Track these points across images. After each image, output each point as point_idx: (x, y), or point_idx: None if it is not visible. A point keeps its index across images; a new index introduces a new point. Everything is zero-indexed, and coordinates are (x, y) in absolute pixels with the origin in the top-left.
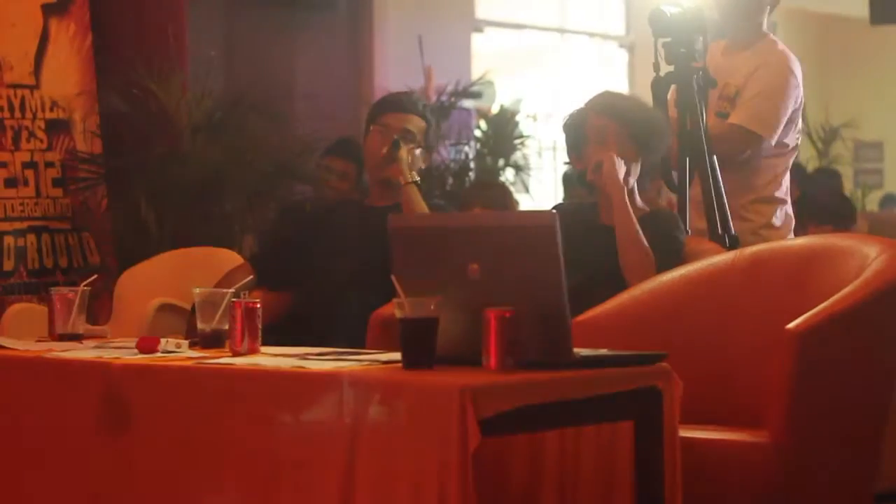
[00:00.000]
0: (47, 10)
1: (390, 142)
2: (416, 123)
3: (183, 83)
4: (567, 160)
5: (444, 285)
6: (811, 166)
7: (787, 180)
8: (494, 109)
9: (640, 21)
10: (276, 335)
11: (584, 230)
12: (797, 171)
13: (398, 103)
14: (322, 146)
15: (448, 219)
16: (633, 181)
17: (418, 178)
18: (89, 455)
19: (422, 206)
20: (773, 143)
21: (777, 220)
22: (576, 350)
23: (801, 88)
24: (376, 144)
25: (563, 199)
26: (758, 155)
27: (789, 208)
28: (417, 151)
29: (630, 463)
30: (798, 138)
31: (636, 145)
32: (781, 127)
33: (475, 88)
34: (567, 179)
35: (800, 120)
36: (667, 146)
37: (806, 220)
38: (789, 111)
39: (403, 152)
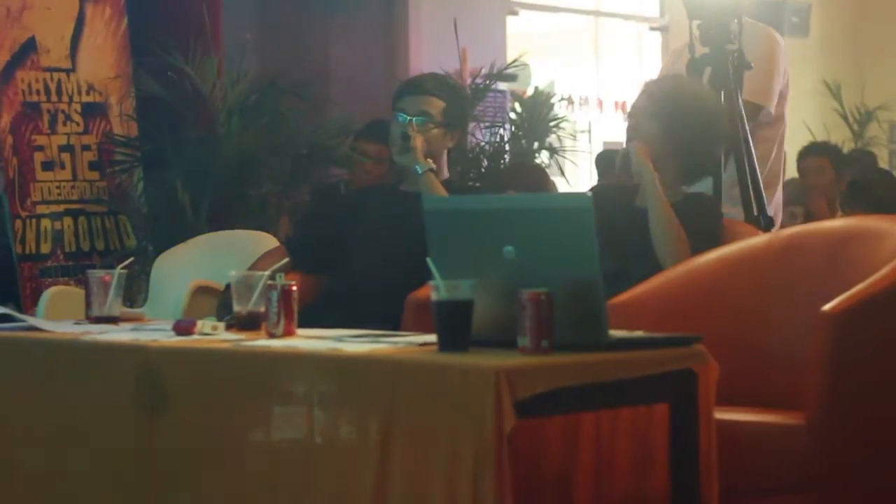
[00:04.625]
0: None
1: (402, 131)
2: (433, 104)
3: (218, 66)
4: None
5: (479, 267)
6: (846, 148)
7: (783, 164)
8: (529, 92)
9: (674, 3)
10: (312, 318)
11: (621, 212)
12: (832, 151)
13: (413, 86)
14: (357, 129)
15: (484, 201)
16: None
17: (433, 166)
18: (126, 436)
19: (440, 193)
20: (772, 111)
21: (771, 209)
22: (611, 332)
23: (787, 61)
24: (393, 133)
25: (599, 181)
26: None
27: (780, 193)
28: (436, 132)
29: (665, 445)
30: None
31: (662, 130)
32: (776, 95)
33: (510, 71)
34: (600, 161)
35: (788, 94)
36: (711, 146)
37: (855, 206)
38: (781, 79)
39: (418, 141)
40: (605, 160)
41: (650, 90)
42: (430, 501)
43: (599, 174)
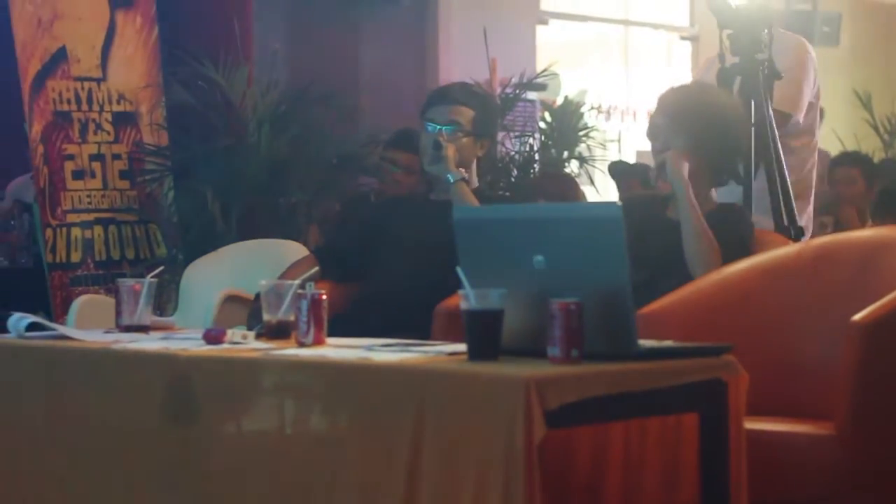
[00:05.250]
0: (114, 4)
1: (433, 140)
2: (462, 113)
3: (248, 75)
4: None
5: (509, 277)
6: (876, 157)
7: (814, 175)
8: (559, 101)
9: (703, 12)
10: (342, 327)
11: (652, 223)
12: (863, 161)
13: (442, 96)
14: (387, 138)
15: (513, 210)
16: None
17: (465, 175)
18: (156, 445)
19: (472, 202)
20: (801, 120)
21: (802, 220)
22: (640, 342)
23: (817, 70)
24: (424, 143)
25: (619, 192)
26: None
27: (811, 208)
28: (466, 140)
29: (695, 455)
30: (821, 127)
31: (688, 142)
32: (805, 104)
33: (540, 80)
34: (614, 171)
35: (819, 107)
36: (736, 144)
37: (885, 216)
38: (811, 89)
39: (450, 150)
40: (619, 171)
41: (664, 106)
42: None
43: (617, 185)
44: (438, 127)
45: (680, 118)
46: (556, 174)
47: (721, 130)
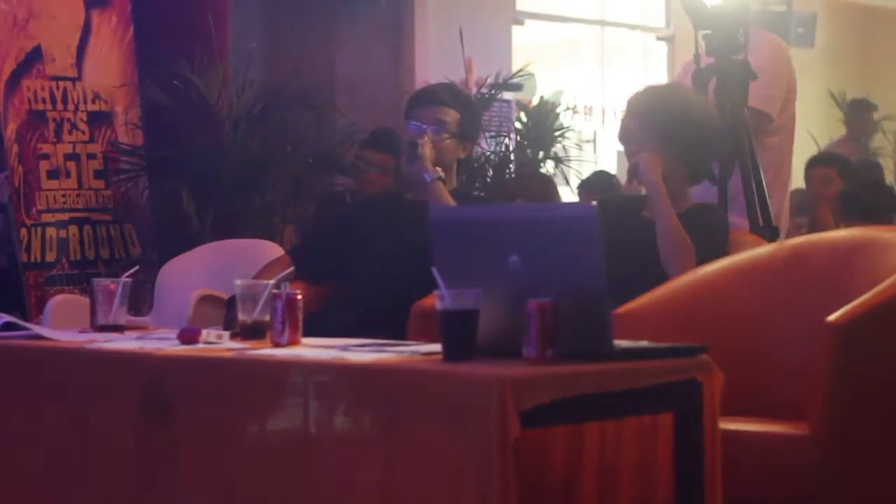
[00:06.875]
0: (89, 3)
1: (410, 140)
2: (448, 114)
3: (224, 75)
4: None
5: (484, 277)
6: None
7: (791, 172)
8: (534, 101)
9: (680, 13)
10: (317, 327)
11: (627, 222)
12: (840, 162)
13: (429, 96)
14: (362, 138)
15: (489, 210)
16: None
17: (442, 174)
18: (131, 445)
19: (448, 202)
20: (776, 118)
21: (774, 214)
22: (616, 342)
23: (794, 68)
24: (404, 141)
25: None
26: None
27: (786, 201)
28: (449, 142)
29: (670, 455)
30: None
31: (660, 142)
32: (781, 102)
33: (515, 80)
34: (585, 188)
35: (795, 103)
36: (708, 140)
37: (849, 217)
38: (786, 86)
39: (426, 149)
40: (589, 188)
41: (633, 108)
42: None
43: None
44: (424, 127)
45: (650, 119)
46: (532, 174)
47: (691, 127)
